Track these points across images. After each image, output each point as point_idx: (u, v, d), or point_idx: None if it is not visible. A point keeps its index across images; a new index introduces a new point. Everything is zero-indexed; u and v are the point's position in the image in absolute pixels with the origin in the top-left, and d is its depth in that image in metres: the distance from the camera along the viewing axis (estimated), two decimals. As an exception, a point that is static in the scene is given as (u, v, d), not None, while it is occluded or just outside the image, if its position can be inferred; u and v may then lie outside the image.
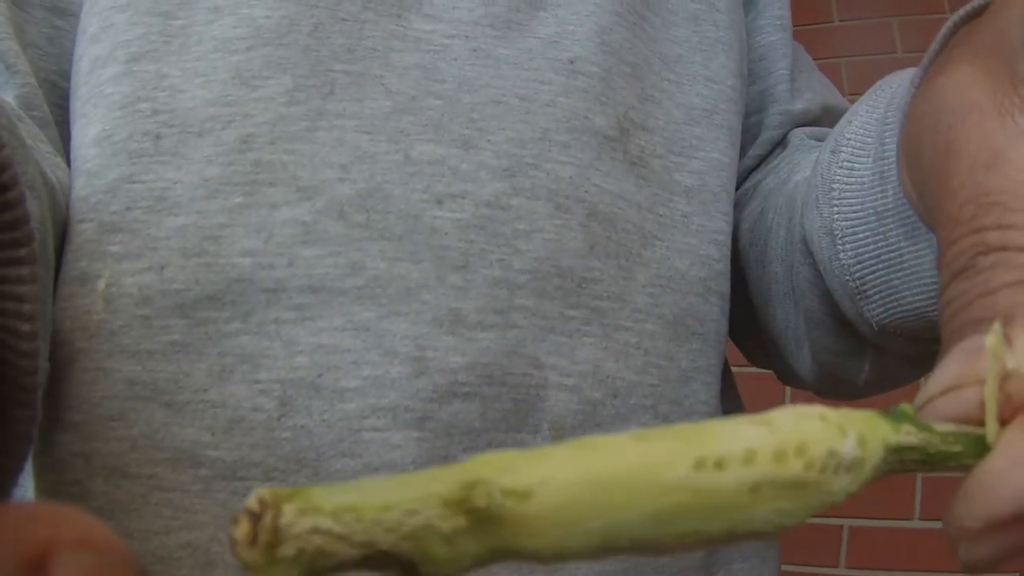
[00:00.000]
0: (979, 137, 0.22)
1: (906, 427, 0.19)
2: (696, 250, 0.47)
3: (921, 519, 1.69)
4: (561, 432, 0.41)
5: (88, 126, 0.42)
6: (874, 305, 0.39)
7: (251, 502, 0.15)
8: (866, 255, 0.39)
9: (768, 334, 0.51)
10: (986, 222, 0.21)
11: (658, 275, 0.45)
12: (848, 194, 0.39)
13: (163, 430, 0.39)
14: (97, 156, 0.41)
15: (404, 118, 0.41)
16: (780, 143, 0.55)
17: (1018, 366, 0.19)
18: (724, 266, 0.48)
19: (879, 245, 0.38)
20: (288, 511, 0.15)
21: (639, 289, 0.44)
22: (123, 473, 0.39)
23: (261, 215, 0.40)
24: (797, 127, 0.55)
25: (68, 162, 0.43)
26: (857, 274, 0.39)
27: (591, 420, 0.42)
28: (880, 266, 0.39)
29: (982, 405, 0.19)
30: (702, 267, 0.47)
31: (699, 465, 0.17)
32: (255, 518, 0.15)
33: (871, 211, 0.38)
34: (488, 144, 0.42)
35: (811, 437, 0.18)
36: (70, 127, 0.44)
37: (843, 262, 0.40)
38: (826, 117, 0.56)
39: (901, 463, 0.19)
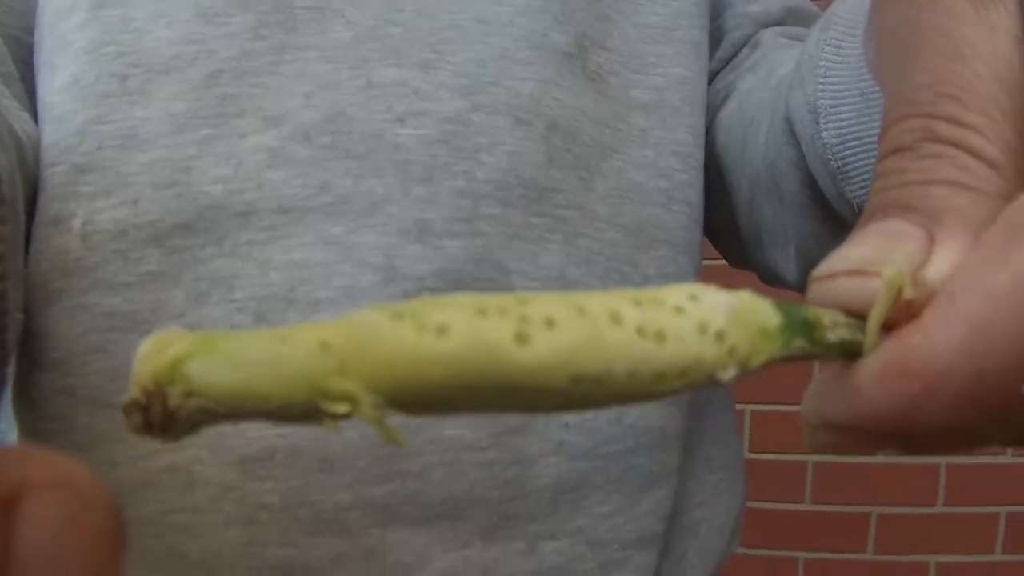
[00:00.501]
0: (947, 24, 0.21)
1: (797, 342, 0.19)
2: (655, 163, 0.48)
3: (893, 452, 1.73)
4: None
5: (55, 74, 0.43)
6: (855, 186, 0.39)
7: (135, 394, 0.15)
8: (849, 136, 0.39)
9: (750, 234, 0.52)
10: (940, 111, 0.20)
11: (616, 186, 0.46)
12: (833, 72, 0.39)
13: None
14: (65, 102, 0.42)
15: (365, 46, 0.42)
16: (747, 43, 0.55)
17: (929, 285, 0.18)
18: (690, 176, 0.49)
19: (863, 126, 0.38)
20: (173, 395, 0.15)
21: (599, 199, 0.45)
22: (106, 403, 0.40)
23: (230, 144, 0.41)
24: (763, 28, 0.55)
25: (34, 117, 0.44)
26: (840, 154, 0.39)
27: None
28: (863, 149, 0.39)
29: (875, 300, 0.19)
30: (662, 178, 0.48)
31: (576, 381, 0.17)
32: (143, 408, 0.15)
33: (856, 92, 0.38)
34: (448, 65, 0.43)
35: (696, 363, 0.18)
36: (35, 80, 0.44)
37: (825, 141, 0.40)
38: (791, 19, 0.56)
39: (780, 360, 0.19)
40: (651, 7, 0.50)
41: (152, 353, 0.15)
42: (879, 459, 1.72)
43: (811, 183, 0.43)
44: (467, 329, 0.16)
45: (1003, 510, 1.73)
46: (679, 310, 0.18)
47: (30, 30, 0.45)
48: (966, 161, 0.19)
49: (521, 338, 0.16)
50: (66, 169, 0.41)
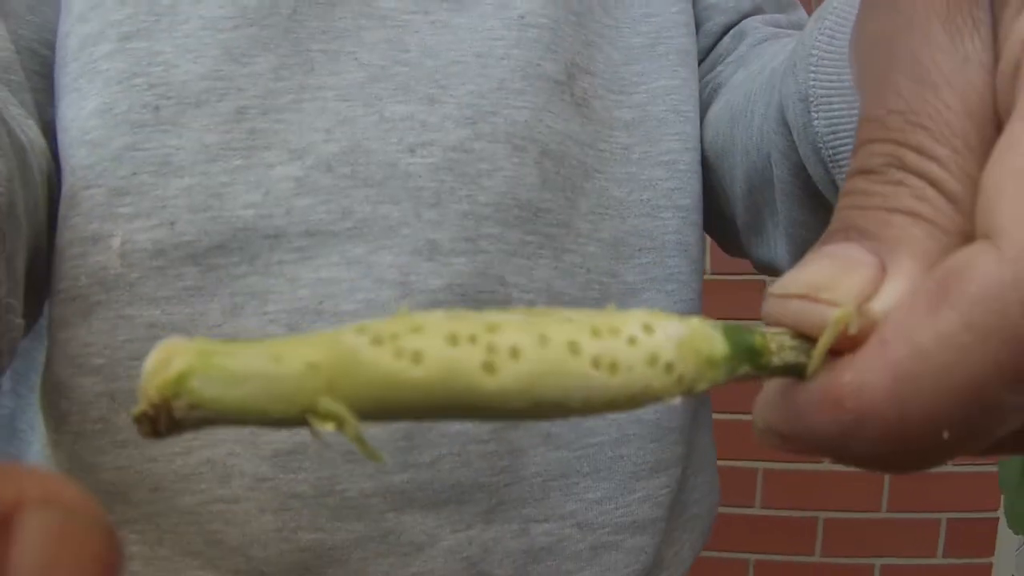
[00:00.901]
0: (923, 51, 0.20)
1: (742, 369, 0.20)
2: (637, 176, 0.51)
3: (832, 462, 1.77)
4: None
5: (84, 99, 0.45)
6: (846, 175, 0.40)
7: (144, 407, 0.16)
8: (841, 127, 0.39)
9: (747, 223, 0.53)
10: (908, 140, 0.20)
11: (597, 204, 0.50)
12: (826, 62, 0.39)
13: None
14: (99, 127, 0.44)
15: (376, 85, 0.46)
16: (726, 34, 0.57)
17: (873, 318, 0.19)
18: (678, 182, 0.52)
19: (855, 116, 0.37)
20: (179, 407, 0.16)
21: (581, 217, 0.49)
22: None
23: (259, 174, 0.44)
24: (742, 17, 0.57)
25: (45, 126, 0.46)
26: (831, 143, 0.39)
27: None
28: (854, 138, 0.37)
29: (821, 328, 0.19)
30: (644, 190, 0.51)
31: (536, 405, 0.18)
32: (152, 420, 0.16)
33: (847, 84, 0.38)
34: (451, 98, 0.47)
35: (645, 391, 0.19)
36: (55, 98, 0.46)
37: (817, 130, 0.40)
38: (768, 5, 0.58)
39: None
40: (634, 28, 0.54)
41: (157, 369, 0.16)
42: (826, 466, 1.76)
43: (800, 171, 0.43)
44: (439, 357, 0.17)
45: (944, 516, 1.78)
46: (632, 340, 0.19)
47: (47, 43, 0.47)
48: (926, 192, 0.19)
49: (488, 367, 0.17)
50: (103, 191, 0.44)
